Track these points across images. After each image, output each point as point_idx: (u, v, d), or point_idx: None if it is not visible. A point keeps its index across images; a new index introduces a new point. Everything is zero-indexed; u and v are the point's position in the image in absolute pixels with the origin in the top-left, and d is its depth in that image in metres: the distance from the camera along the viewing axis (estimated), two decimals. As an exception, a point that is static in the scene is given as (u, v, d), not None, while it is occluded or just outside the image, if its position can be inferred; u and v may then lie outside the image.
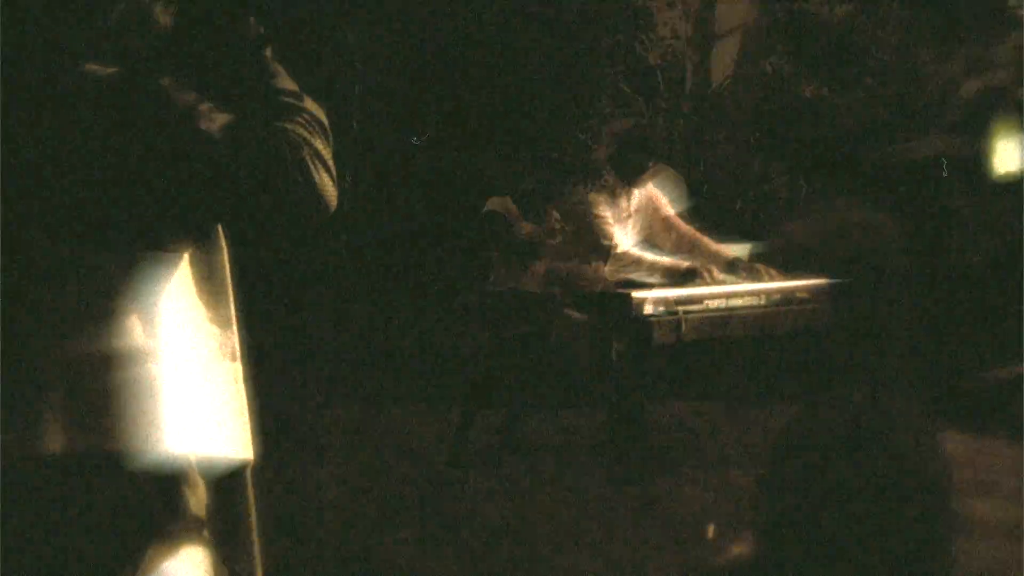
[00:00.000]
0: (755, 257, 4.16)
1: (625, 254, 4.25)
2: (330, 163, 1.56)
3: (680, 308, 3.65)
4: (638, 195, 4.47)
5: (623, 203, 4.42)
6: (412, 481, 4.10)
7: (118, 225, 1.49)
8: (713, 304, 3.75)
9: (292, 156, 1.50)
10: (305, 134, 1.55)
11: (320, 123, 1.60)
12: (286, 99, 1.60)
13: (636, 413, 3.74)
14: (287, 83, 1.63)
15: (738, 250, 4.25)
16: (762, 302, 3.84)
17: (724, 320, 3.72)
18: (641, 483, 3.71)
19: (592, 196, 4.34)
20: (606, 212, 4.31)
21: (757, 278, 4.02)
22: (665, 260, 4.22)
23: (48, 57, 1.53)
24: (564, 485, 3.91)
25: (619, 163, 4.38)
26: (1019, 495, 3.55)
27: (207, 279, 1.60)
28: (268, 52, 1.65)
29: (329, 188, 1.54)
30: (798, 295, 3.88)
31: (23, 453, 1.44)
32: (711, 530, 3.68)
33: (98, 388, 1.46)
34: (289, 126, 1.54)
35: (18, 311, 1.48)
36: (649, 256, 4.27)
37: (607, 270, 4.30)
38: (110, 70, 1.52)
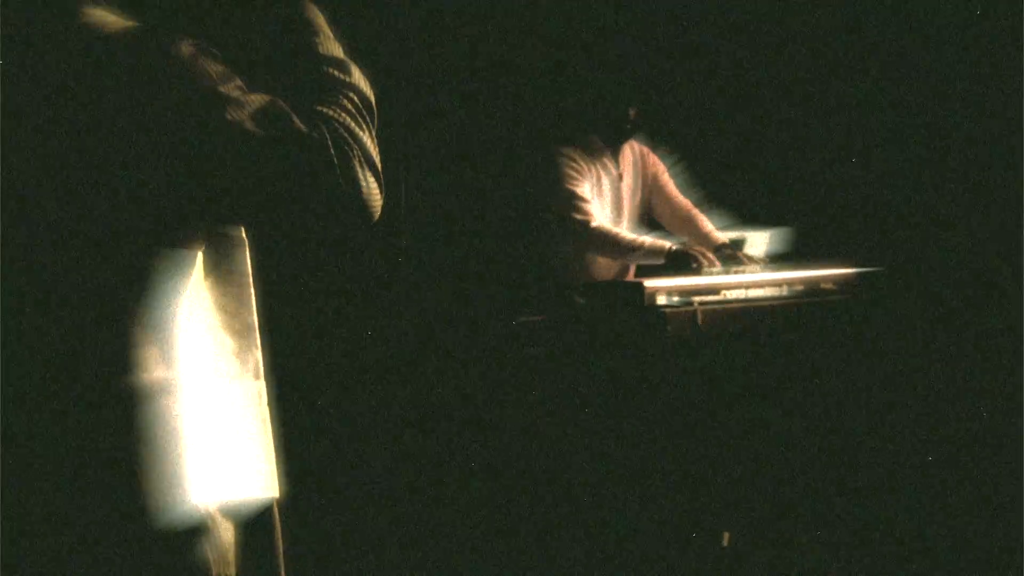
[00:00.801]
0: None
1: (599, 230, 3.78)
2: (378, 163, 1.28)
3: (696, 299, 3.38)
4: (629, 153, 4.05)
5: (609, 164, 3.97)
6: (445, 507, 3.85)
7: (126, 220, 1.21)
8: (732, 295, 3.48)
9: (339, 159, 1.22)
10: (354, 127, 1.25)
11: (369, 106, 1.31)
12: (331, 71, 1.30)
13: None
14: (332, 47, 1.33)
15: (754, 238, 3.97)
16: (784, 293, 3.58)
17: (744, 312, 3.46)
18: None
19: (562, 158, 3.86)
20: (579, 183, 3.82)
21: (743, 270, 3.72)
22: (646, 239, 3.79)
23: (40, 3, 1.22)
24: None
25: (600, 121, 3.94)
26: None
27: (225, 280, 1.34)
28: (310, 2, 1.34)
29: (375, 195, 1.26)
30: (823, 286, 3.64)
31: (26, 510, 1.19)
32: (727, 538, 3.49)
33: (109, 432, 1.20)
34: (334, 114, 1.25)
35: (20, 332, 1.20)
36: (627, 234, 3.81)
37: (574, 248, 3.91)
38: (122, 24, 1.21)
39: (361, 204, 1.24)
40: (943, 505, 3.69)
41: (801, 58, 4.70)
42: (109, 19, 1.24)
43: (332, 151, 1.22)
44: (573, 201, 3.80)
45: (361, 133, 1.26)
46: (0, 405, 1.19)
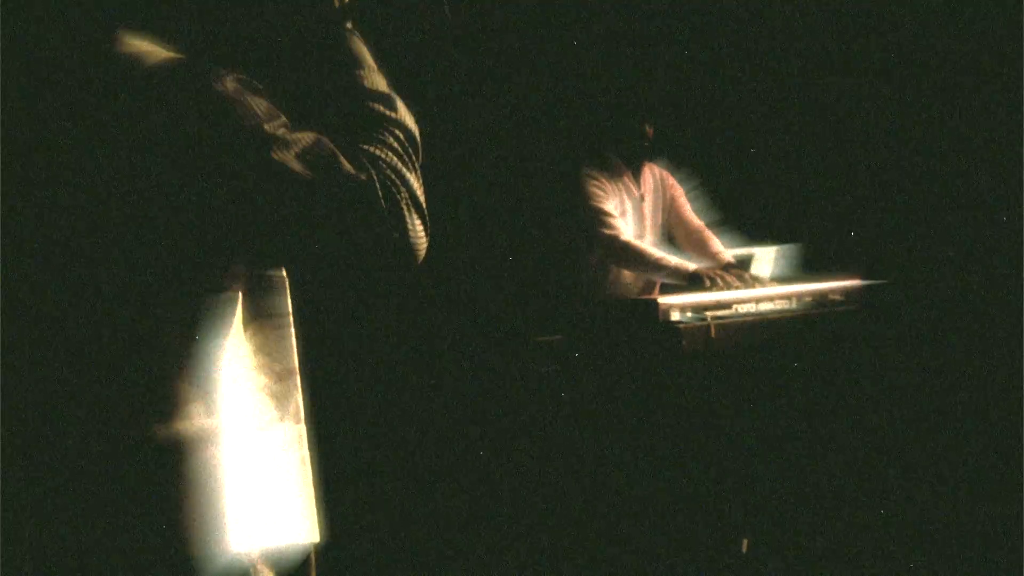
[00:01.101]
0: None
1: (627, 245, 3.90)
2: (424, 204, 1.22)
3: (709, 314, 3.47)
4: (649, 175, 4.16)
5: (630, 185, 4.08)
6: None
7: (167, 264, 1.16)
8: (743, 309, 3.57)
9: (387, 204, 1.17)
10: (401, 167, 1.21)
11: (415, 143, 1.26)
12: (377, 106, 1.24)
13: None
14: (378, 80, 1.27)
15: (761, 255, 4.04)
16: (794, 305, 3.66)
17: (755, 325, 3.54)
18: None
19: (587, 178, 3.95)
20: (604, 200, 3.92)
21: (750, 287, 3.81)
22: (671, 259, 3.90)
23: (70, 29, 1.18)
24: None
25: (618, 138, 4.05)
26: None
27: (265, 322, 1.28)
28: (349, 26, 1.28)
29: (421, 238, 1.22)
30: (831, 297, 3.72)
31: (69, 563, 1.17)
32: (745, 544, 3.53)
33: (153, 483, 1.17)
34: (382, 154, 1.20)
35: (62, 380, 1.17)
36: (654, 252, 3.92)
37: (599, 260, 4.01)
38: (162, 55, 1.16)
39: (407, 248, 1.20)
40: (953, 511, 3.71)
41: (805, 74, 4.75)
42: (148, 49, 1.19)
43: (380, 194, 1.18)
44: (600, 217, 3.91)
45: (408, 174, 1.22)
46: (45, 455, 1.18)
